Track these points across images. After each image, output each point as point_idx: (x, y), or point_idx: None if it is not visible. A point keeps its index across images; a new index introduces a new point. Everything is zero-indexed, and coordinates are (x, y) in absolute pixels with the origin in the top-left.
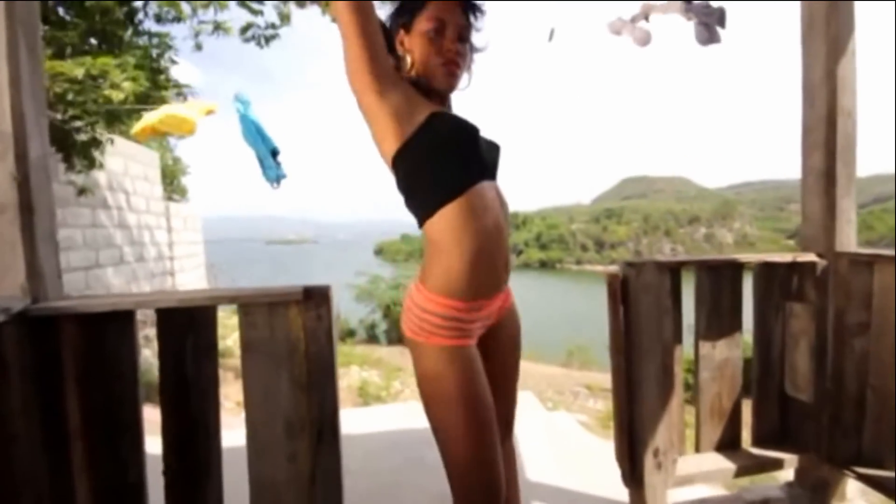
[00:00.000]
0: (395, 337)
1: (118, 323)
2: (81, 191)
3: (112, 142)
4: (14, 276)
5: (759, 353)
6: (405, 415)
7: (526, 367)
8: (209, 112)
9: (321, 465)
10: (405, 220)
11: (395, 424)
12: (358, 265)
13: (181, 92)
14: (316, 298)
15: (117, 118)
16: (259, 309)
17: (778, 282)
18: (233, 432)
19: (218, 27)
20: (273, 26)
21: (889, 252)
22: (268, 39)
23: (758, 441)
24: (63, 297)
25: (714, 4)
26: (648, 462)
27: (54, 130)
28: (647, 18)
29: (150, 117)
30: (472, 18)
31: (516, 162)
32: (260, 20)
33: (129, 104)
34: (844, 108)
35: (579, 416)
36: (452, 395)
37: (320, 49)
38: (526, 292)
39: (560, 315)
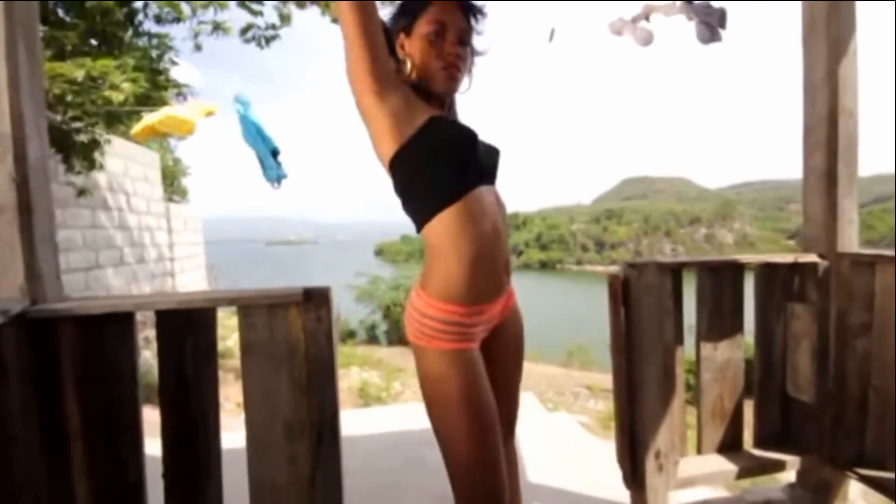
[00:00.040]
0: (396, 338)
1: (117, 325)
2: (81, 192)
3: (109, 142)
4: (13, 278)
5: (761, 354)
6: (405, 416)
7: (526, 367)
8: (209, 113)
9: (321, 466)
10: (405, 220)
11: (395, 425)
12: (358, 266)
13: (181, 92)
14: (316, 300)
15: (117, 119)
16: (259, 311)
17: (779, 282)
18: (233, 434)
19: (217, 27)
20: (273, 27)
21: (890, 252)
22: (268, 40)
23: (759, 442)
24: (62, 298)
25: (715, 5)
26: (650, 464)
27: (54, 131)
28: (647, 18)
29: (149, 118)
30: (472, 21)
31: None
32: (260, 21)
33: (128, 105)
34: (846, 107)
35: (580, 417)
36: (455, 398)
37: (320, 50)
38: (526, 293)
39: (560, 315)
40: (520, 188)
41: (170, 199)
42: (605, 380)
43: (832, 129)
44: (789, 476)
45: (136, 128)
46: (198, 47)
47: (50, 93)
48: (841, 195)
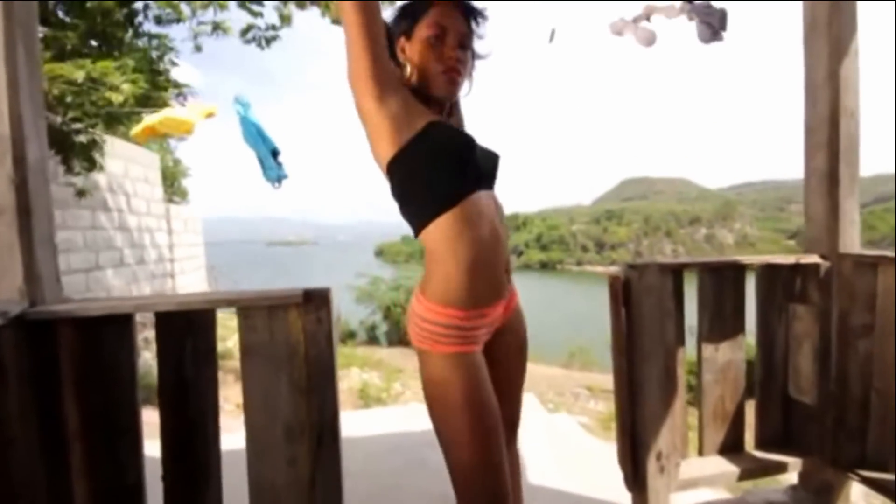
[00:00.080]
0: (396, 338)
1: (116, 326)
2: (79, 192)
3: (105, 142)
4: (11, 280)
5: (762, 355)
6: (406, 417)
7: (527, 368)
8: (210, 115)
9: (321, 468)
10: (405, 221)
11: (395, 426)
12: (358, 266)
13: (181, 92)
14: (316, 301)
15: (116, 120)
16: (258, 312)
17: (781, 283)
18: (233, 435)
19: (217, 27)
20: (274, 28)
21: (892, 253)
22: (268, 41)
23: (761, 444)
24: (62, 300)
25: (715, 5)
26: (651, 466)
27: (54, 133)
28: (648, 19)
29: (149, 119)
30: (473, 25)
31: (517, 163)
32: (260, 22)
33: (128, 106)
34: (847, 108)
35: (580, 418)
36: (457, 401)
37: (321, 50)
38: (526, 293)
39: (561, 316)
40: (520, 189)
41: (170, 200)
42: (606, 380)
43: (834, 129)
44: (791, 478)
45: (137, 129)
46: (198, 48)
47: (49, 94)
48: (843, 196)
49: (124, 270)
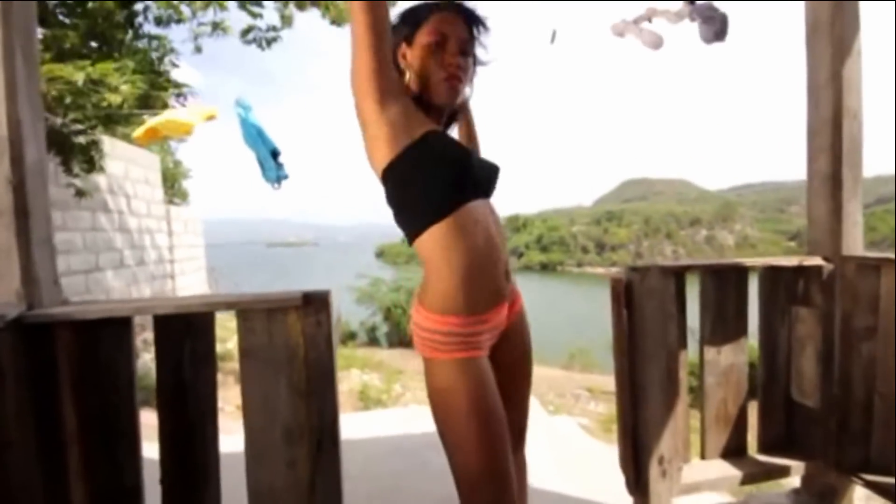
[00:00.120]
0: (396, 339)
1: (115, 329)
2: (78, 193)
3: (104, 143)
4: (9, 282)
5: (765, 358)
6: (406, 419)
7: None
8: (210, 117)
9: (321, 472)
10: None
11: (396, 428)
12: (359, 267)
13: (181, 93)
14: (315, 304)
15: (115, 121)
16: (258, 315)
17: (783, 286)
18: (232, 437)
19: (217, 27)
20: (274, 28)
21: (895, 256)
22: (269, 41)
23: (764, 447)
24: (60, 302)
25: (716, 5)
26: (653, 469)
27: (54, 134)
28: (649, 20)
29: (151, 122)
30: (474, 32)
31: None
32: (260, 23)
33: (127, 107)
34: (850, 109)
35: (580, 420)
36: (462, 407)
37: (321, 51)
38: (527, 295)
39: (561, 317)
40: (520, 190)
41: (170, 202)
42: (606, 382)
43: (836, 131)
44: (794, 481)
45: (139, 131)
46: (198, 49)
47: (48, 95)
48: (845, 198)
49: (124, 272)
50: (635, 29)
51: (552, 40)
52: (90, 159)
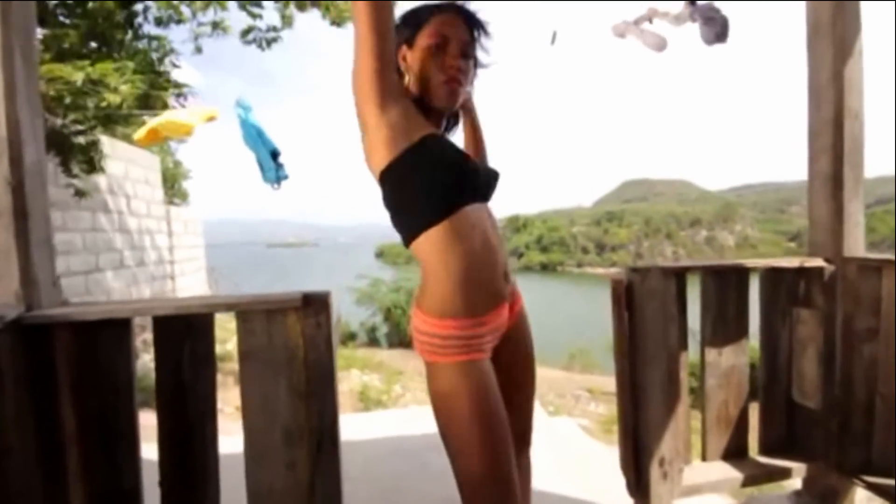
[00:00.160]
0: (396, 340)
1: (114, 331)
2: (77, 193)
3: (104, 144)
4: (8, 284)
5: (766, 359)
6: (406, 420)
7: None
8: (211, 118)
9: (320, 473)
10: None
11: (396, 429)
12: (359, 268)
13: (182, 93)
14: (315, 305)
15: (114, 121)
16: (257, 316)
17: (785, 287)
18: (232, 438)
19: (216, 26)
20: (274, 29)
21: (895, 257)
22: (269, 42)
23: (765, 449)
24: (59, 303)
25: (717, 6)
26: (654, 471)
27: (53, 134)
28: (650, 21)
29: (152, 123)
30: (475, 34)
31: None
32: (261, 23)
33: (127, 107)
34: (852, 109)
35: (581, 420)
36: (465, 410)
37: (321, 52)
38: (527, 295)
39: (561, 318)
40: (520, 190)
41: (170, 202)
42: (606, 383)
43: (838, 131)
44: (795, 483)
45: (140, 133)
46: (198, 49)
47: (48, 95)
48: (847, 199)
49: (124, 272)
50: (636, 30)
51: (552, 41)
52: (90, 160)
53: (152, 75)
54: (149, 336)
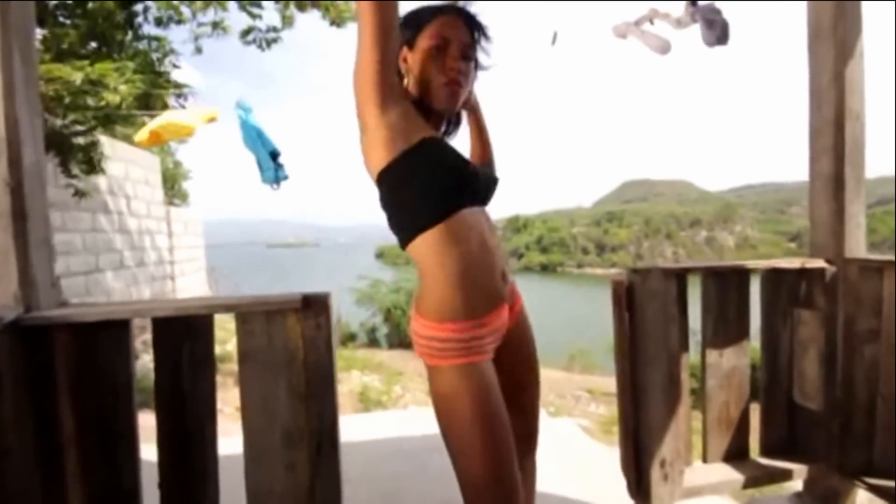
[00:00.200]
0: (396, 341)
1: (113, 332)
2: (77, 193)
3: (104, 144)
4: (6, 285)
5: (767, 360)
6: (406, 421)
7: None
8: (211, 119)
9: (320, 476)
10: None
11: (396, 430)
12: (359, 269)
13: (182, 93)
14: (315, 307)
15: (113, 121)
16: (257, 317)
17: (786, 288)
18: (231, 439)
19: (216, 26)
20: (274, 29)
21: (895, 257)
22: (269, 42)
23: (766, 450)
24: (58, 304)
25: (718, 6)
26: (655, 473)
27: (53, 135)
28: (651, 21)
29: (153, 125)
30: (476, 36)
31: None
32: (260, 24)
33: (126, 107)
34: (853, 110)
35: (581, 421)
36: (466, 412)
37: (321, 53)
38: (527, 296)
39: (561, 318)
40: (520, 191)
41: (170, 203)
42: (607, 383)
43: (839, 132)
44: (796, 485)
45: (142, 135)
46: (198, 50)
47: (47, 95)
48: (848, 199)
49: (124, 273)
50: (637, 31)
51: (553, 42)
52: (90, 160)
53: (152, 76)
54: (149, 337)
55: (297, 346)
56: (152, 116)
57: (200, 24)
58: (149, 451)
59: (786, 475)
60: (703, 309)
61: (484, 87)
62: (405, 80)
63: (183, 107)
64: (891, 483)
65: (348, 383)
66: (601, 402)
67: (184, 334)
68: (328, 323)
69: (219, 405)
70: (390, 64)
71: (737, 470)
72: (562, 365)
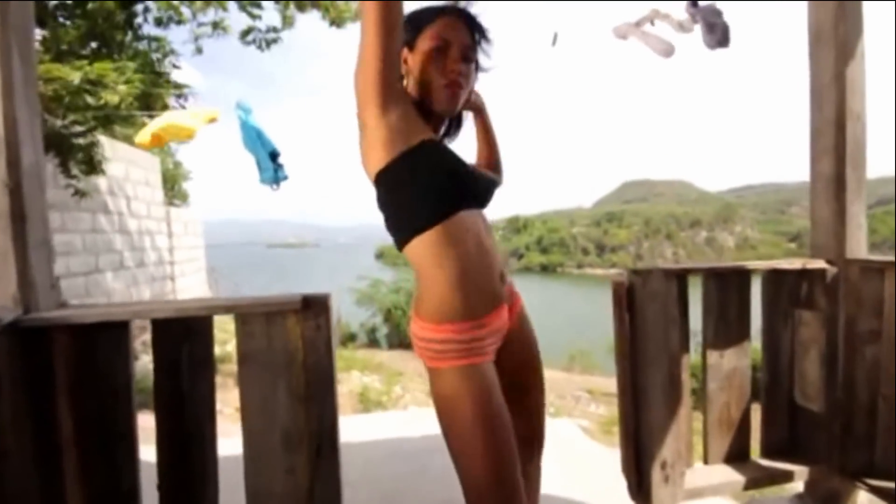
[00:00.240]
0: (397, 341)
1: (112, 333)
2: (77, 193)
3: (101, 144)
4: (5, 286)
5: (768, 361)
6: (406, 421)
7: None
8: (212, 120)
9: (320, 479)
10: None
11: (396, 431)
12: (359, 269)
13: (182, 94)
14: (315, 308)
15: (112, 121)
16: (256, 319)
17: (787, 289)
18: (231, 440)
19: (216, 26)
20: (274, 30)
21: (895, 257)
22: (268, 43)
23: (767, 452)
24: (57, 305)
25: (718, 5)
26: (656, 474)
27: (52, 135)
28: (652, 22)
29: (153, 126)
30: (477, 37)
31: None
32: (260, 24)
33: (126, 107)
34: (854, 111)
35: (581, 422)
36: (467, 414)
37: (321, 53)
38: (527, 296)
39: (561, 319)
40: (520, 191)
41: (170, 203)
42: (607, 384)
43: (840, 133)
44: (797, 486)
45: (143, 137)
46: (199, 50)
47: (45, 95)
48: (849, 200)
49: (124, 273)
50: (638, 32)
51: (553, 43)
52: (90, 160)
53: (152, 76)
54: (149, 337)
55: (296, 348)
56: (152, 117)
57: (200, 25)
58: (148, 452)
59: (787, 476)
60: (703, 310)
61: (484, 88)
62: (405, 82)
63: (183, 107)
64: (892, 484)
65: (348, 384)
66: (601, 402)
67: (183, 336)
68: (328, 324)
69: (219, 406)
70: (393, 64)
71: (738, 471)
72: (562, 365)
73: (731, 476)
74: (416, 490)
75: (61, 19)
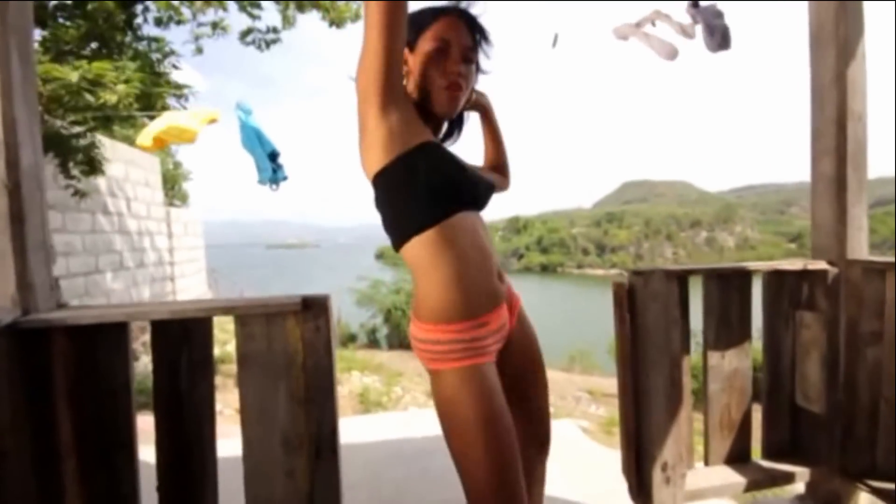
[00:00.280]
0: (397, 341)
1: (111, 334)
2: (77, 193)
3: (101, 144)
4: (4, 287)
5: (769, 363)
6: (406, 422)
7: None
8: (212, 121)
9: (320, 482)
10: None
11: (396, 432)
12: (359, 269)
13: (182, 94)
14: (315, 309)
15: (112, 122)
16: (256, 320)
17: (788, 290)
18: (231, 441)
19: (216, 26)
20: (274, 30)
21: (894, 258)
22: (268, 43)
23: (768, 453)
24: (56, 307)
25: (719, 6)
26: (656, 476)
27: (52, 135)
28: (653, 23)
29: (154, 128)
30: (477, 39)
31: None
32: (260, 24)
33: (124, 106)
34: (855, 111)
35: (581, 422)
36: (469, 416)
37: (321, 54)
38: (527, 296)
39: (561, 319)
40: (520, 192)
41: (170, 204)
42: (607, 384)
43: (841, 133)
44: (798, 488)
45: (145, 139)
46: (199, 50)
47: (45, 95)
48: (850, 201)
49: (124, 274)
50: (639, 32)
51: (554, 44)
52: (89, 161)
53: (152, 76)
54: (149, 338)
55: (296, 350)
56: (152, 117)
57: (200, 25)
58: (147, 454)
59: (788, 478)
60: (704, 311)
61: (485, 88)
62: (405, 82)
63: (183, 107)
64: (893, 486)
65: (348, 384)
66: (601, 402)
67: (182, 337)
68: (328, 325)
69: (219, 406)
70: (395, 65)
71: (739, 473)
72: (562, 366)
73: (732, 477)
74: (416, 491)
75: (61, 19)
